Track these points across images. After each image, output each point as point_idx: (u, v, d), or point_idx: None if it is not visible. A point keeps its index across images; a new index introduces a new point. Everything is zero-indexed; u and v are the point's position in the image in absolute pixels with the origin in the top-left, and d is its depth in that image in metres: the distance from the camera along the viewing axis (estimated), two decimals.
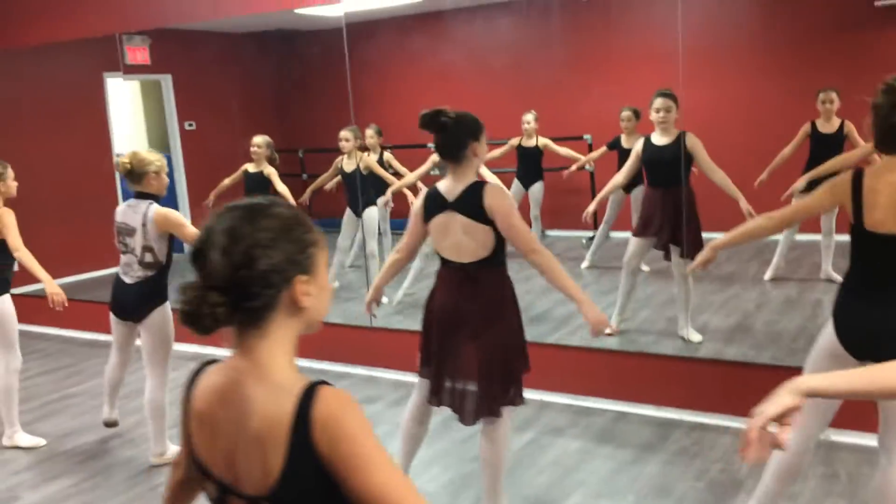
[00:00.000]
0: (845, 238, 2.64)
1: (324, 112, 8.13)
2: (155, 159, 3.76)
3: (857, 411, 2.86)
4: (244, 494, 1.23)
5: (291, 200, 6.12)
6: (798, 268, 5.62)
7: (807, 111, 5.25)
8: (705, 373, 4.17)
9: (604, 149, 5.74)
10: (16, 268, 4.17)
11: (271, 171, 6.24)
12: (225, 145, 6.93)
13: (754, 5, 5.98)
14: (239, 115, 8.17)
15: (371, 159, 6.12)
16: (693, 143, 4.42)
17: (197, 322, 1.19)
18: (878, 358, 1.44)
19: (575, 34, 6.79)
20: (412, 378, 3.50)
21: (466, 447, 3.86)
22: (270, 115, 8.53)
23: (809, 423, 2.58)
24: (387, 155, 6.38)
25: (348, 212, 6.27)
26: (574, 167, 6.07)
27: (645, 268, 5.43)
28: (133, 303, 3.83)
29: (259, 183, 6.22)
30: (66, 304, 4.00)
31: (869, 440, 3.23)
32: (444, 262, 2.98)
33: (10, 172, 4.15)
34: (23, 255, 4.01)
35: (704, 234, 4.59)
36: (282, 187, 6.19)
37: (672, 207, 4.51)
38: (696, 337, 4.62)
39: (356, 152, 5.92)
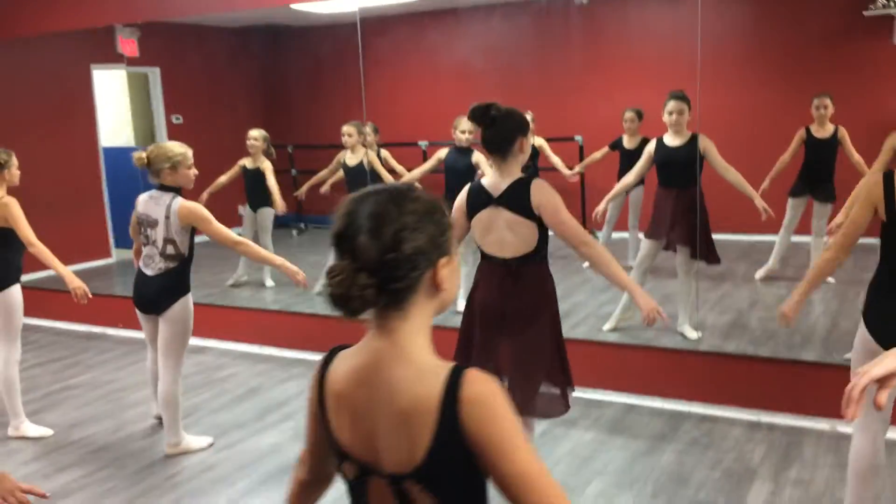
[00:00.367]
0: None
1: (313, 107, 8.14)
2: (173, 154, 3.70)
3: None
4: (386, 473, 1.25)
5: (279, 198, 6.12)
6: (787, 267, 5.79)
7: (802, 117, 5.40)
8: (710, 366, 4.29)
9: (606, 149, 5.83)
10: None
11: (267, 166, 6.23)
12: (212, 139, 6.87)
13: (746, 13, 6.15)
14: (227, 109, 8.12)
15: (374, 156, 6.13)
16: (706, 144, 4.51)
17: (347, 304, 1.21)
18: None
19: (569, 37, 6.90)
20: None
21: None
22: (259, 110, 8.50)
23: (871, 423, 2.64)
24: (384, 152, 6.40)
25: None
26: (577, 168, 6.13)
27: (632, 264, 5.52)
28: (155, 295, 3.79)
29: (259, 178, 6.21)
30: (90, 297, 3.96)
31: None
32: (486, 258, 2.99)
33: (15, 160, 4.07)
34: (39, 250, 3.93)
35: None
36: (273, 183, 6.17)
37: (684, 208, 4.59)
38: (692, 334, 4.72)
39: (360, 147, 5.92)
